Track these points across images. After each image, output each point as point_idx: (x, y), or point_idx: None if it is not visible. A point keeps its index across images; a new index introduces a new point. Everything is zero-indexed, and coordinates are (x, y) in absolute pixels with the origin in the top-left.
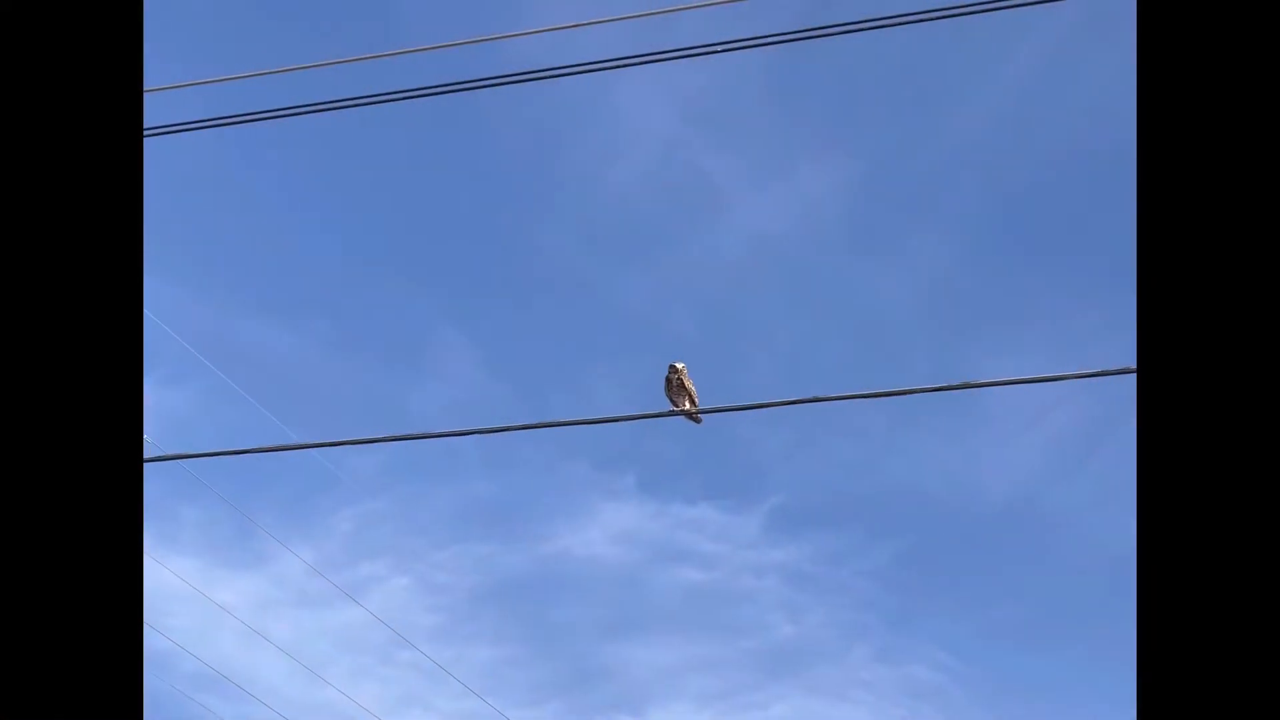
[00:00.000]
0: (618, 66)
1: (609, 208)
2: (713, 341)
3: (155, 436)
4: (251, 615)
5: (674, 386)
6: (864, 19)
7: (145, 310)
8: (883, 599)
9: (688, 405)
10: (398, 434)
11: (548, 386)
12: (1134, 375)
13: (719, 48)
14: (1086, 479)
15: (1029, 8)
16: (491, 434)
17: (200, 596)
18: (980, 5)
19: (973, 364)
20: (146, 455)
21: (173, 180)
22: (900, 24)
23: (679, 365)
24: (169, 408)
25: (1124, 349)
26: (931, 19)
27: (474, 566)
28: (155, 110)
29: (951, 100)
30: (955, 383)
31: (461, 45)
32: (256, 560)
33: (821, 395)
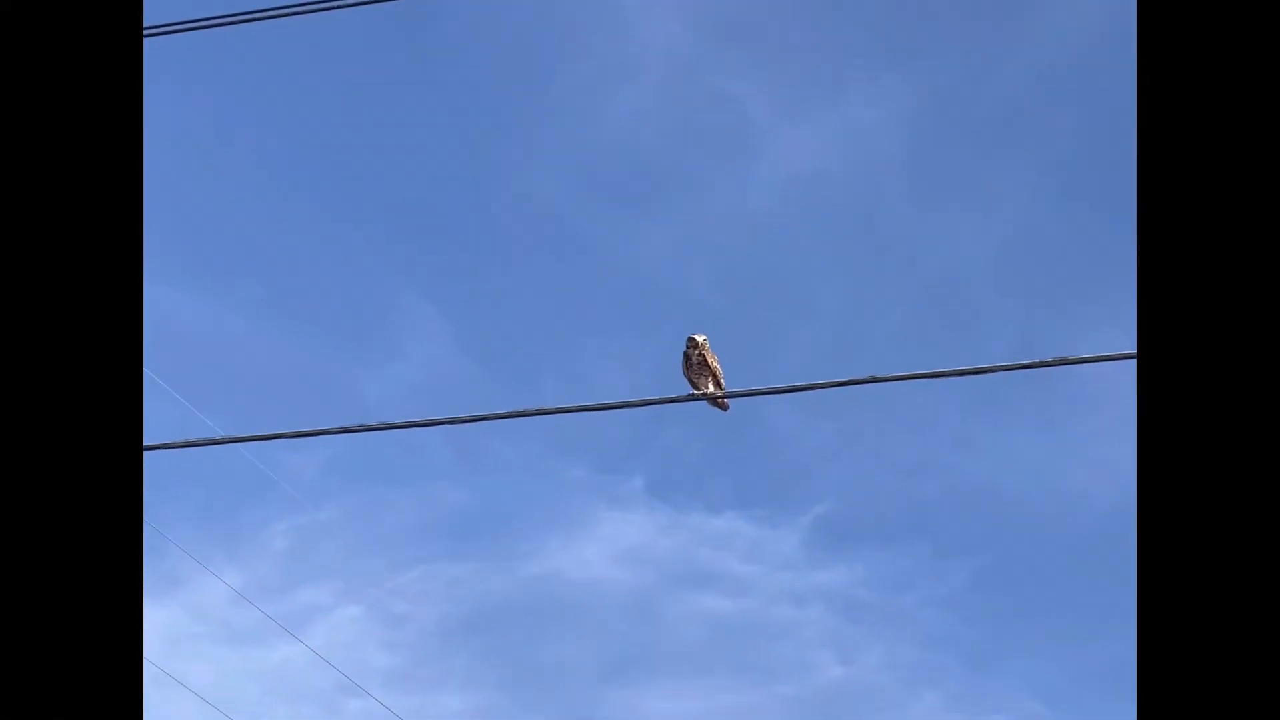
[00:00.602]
0: None
1: (611, 144)
2: (741, 310)
3: None
4: (162, 653)
5: (694, 365)
6: None
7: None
8: (957, 633)
9: (710, 388)
10: (348, 425)
11: (535, 367)
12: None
13: None
14: None
15: None
16: (465, 425)
17: None
18: None
19: (1067, 336)
20: None
21: None
22: None
23: (700, 338)
24: None
25: None
26: None
27: (443, 593)
28: None
29: (1036, 9)
30: (1046, 359)
31: None
32: (168, 585)
33: (877, 375)
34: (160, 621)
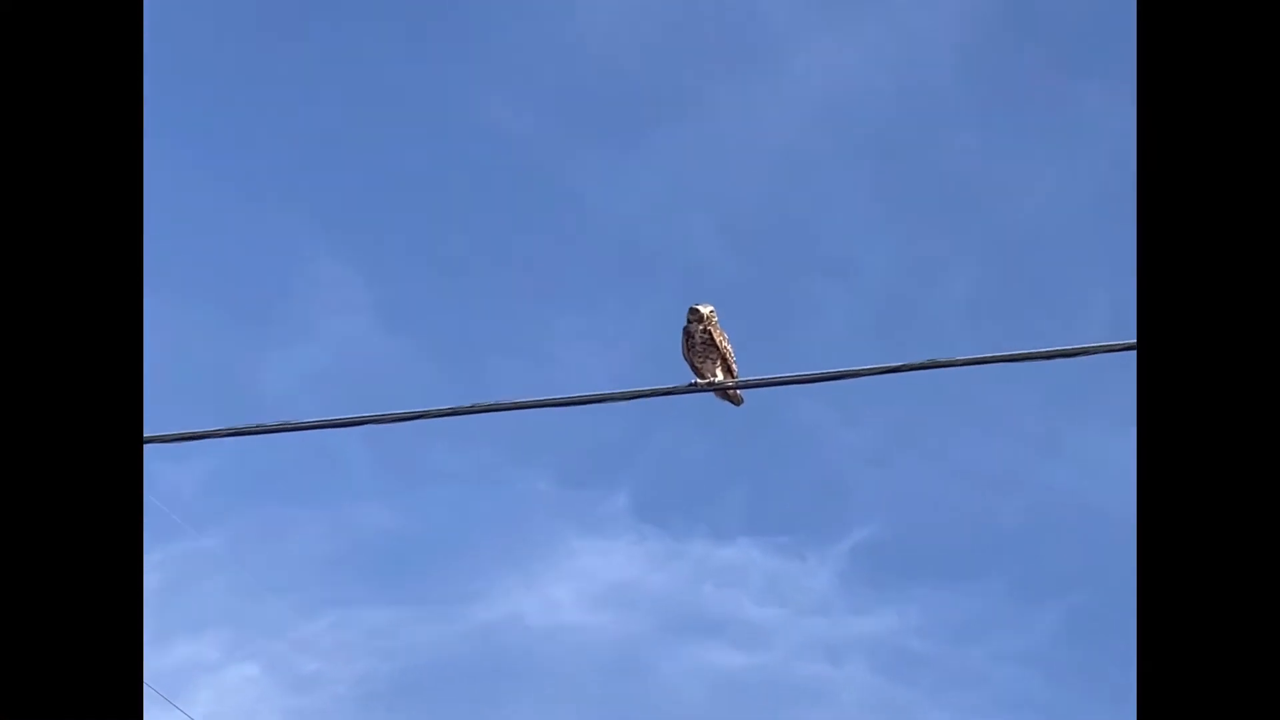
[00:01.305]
0: None
1: (585, 61)
2: (758, 274)
3: None
4: None
5: (698, 345)
6: None
7: None
8: (1041, 694)
9: (719, 375)
10: (239, 426)
11: (486, 349)
12: None
13: None
14: None
15: None
16: (394, 425)
17: None
18: None
19: None
20: None
21: None
22: None
23: (705, 309)
24: None
25: None
26: None
27: (365, 645)
28: None
29: None
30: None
31: None
32: None
33: (936, 359)
34: None
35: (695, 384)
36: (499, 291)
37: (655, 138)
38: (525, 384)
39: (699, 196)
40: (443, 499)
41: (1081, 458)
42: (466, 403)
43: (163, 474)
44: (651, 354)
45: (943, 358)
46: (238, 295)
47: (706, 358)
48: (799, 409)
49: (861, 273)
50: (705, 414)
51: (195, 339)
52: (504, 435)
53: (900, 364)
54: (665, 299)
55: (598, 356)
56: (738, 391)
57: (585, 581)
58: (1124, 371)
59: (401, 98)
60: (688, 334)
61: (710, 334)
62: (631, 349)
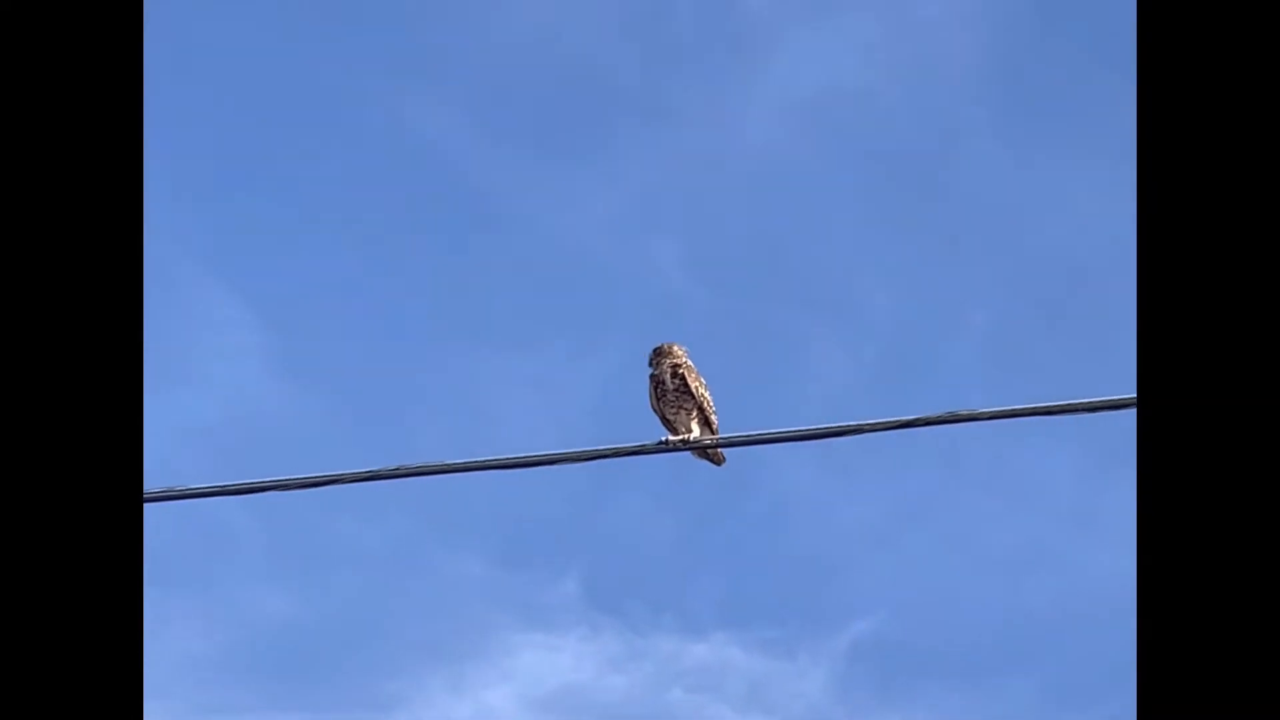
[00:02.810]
0: None
1: (530, 59)
2: (737, 306)
3: None
4: None
5: (669, 392)
6: None
7: None
8: None
9: (694, 430)
10: None
11: (406, 401)
12: None
13: None
14: None
15: None
16: (295, 492)
17: None
18: None
19: None
20: None
21: None
22: None
23: (676, 349)
24: None
25: None
26: None
27: None
28: None
29: None
30: None
31: None
32: None
33: (957, 413)
34: None
35: (667, 441)
36: (424, 332)
37: (614, 147)
38: (455, 443)
39: (664, 215)
40: (353, 583)
41: (1123, 532)
42: (384, 465)
43: None
44: (609, 404)
45: (962, 410)
46: None
47: (680, 408)
48: (788, 473)
49: (862, 308)
50: (678, 477)
51: None
52: (428, 505)
53: (912, 418)
54: (627, 339)
55: (544, 409)
56: (718, 449)
57: (527, 684)
58: None
59: (303, 101)
60: (657, 380)
61: (685, 379)
62: (586, 399)
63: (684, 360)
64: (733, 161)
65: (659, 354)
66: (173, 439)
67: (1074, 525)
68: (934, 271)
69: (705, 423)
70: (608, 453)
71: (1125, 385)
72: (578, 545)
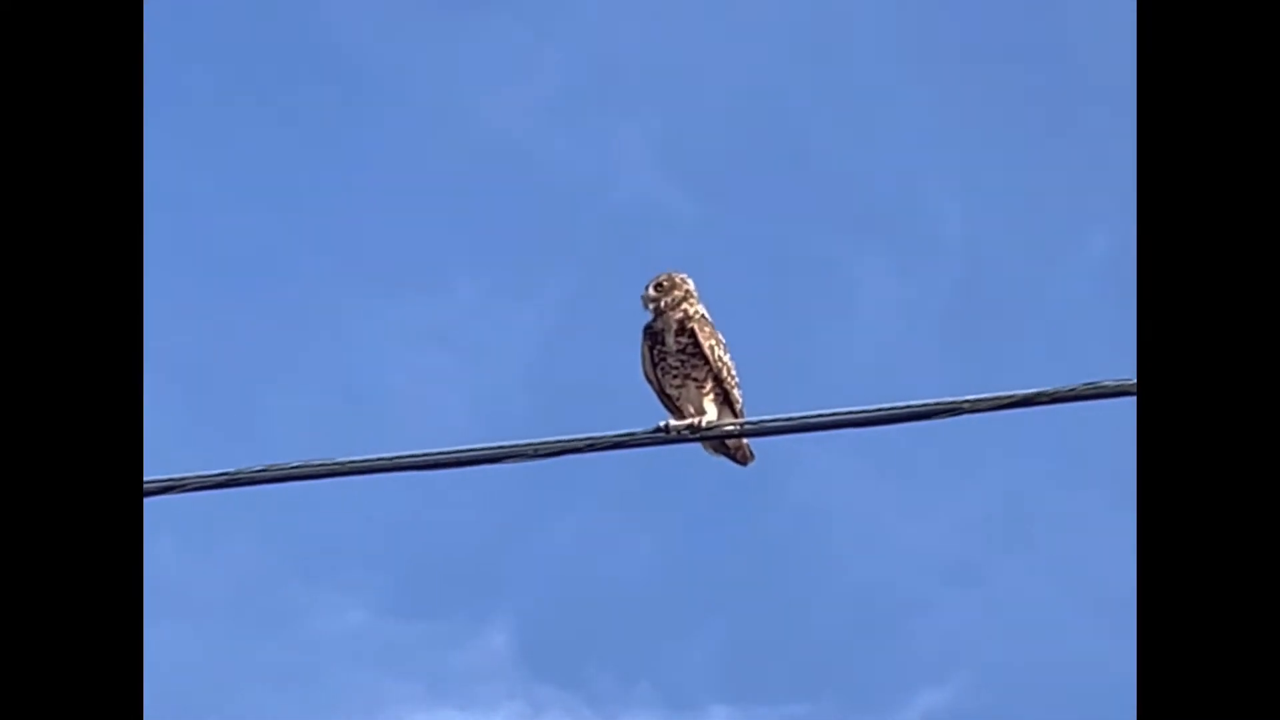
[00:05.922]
0: None
1: None
2: (743, 223)
3: None
4: None
5: (669, 354)
6: None
7: None
8: None
9: (710, 407)
10: None
11: (256, 380)
12: None
13: None
14: None
15: None
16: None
17: None
18: None
19: None
20: None
21: None
22: None
23: (679, 280)
24: None
25: None
26: None
27: None
28: None
29: None
30: None
31: None
32: None
33: (1100, 384)
34: None
35: (666, 426)
36: (283, 271)
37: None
38: (330, 437)
39: (628, 88)
40: (191, 637)
41: None
42: (225, 468)
43: None
44: (555, 370)
45: (1106, 380)
46: None
47: (688, 378)
48: (831, 474)
49: (927, 225)
50: (676, 480)
51: None
52: (292, 528)
53: (1033, 391)
54: (576, 272)
55: (455, 377)
56: (743, 440)
57: None
58: None
59: None
60: (652, 335)
61: (695, 335)
62: (516, 362)
63: (695, 308)
64: (725, 10)
65: (661, 290)
66: None
67: None
68: (1033, 176)
69: (725, 400)
70: (578, 445)
71: None
72: (509, 583)
